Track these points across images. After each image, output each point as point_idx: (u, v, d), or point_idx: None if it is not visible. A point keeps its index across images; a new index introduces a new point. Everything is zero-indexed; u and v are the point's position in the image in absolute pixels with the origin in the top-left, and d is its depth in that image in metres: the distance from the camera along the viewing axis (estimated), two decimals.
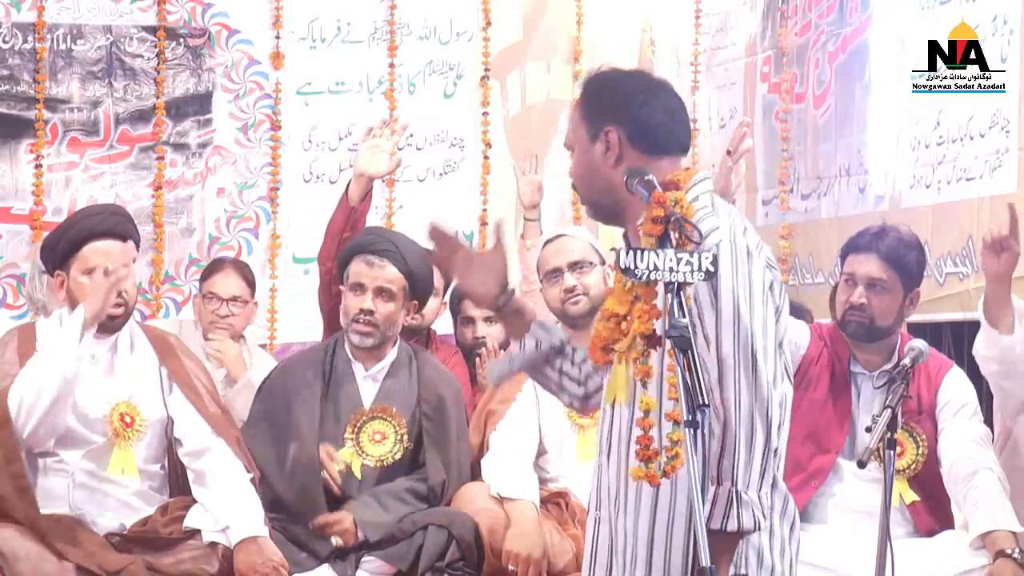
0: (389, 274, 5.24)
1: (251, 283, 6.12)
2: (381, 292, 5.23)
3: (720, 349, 3.29)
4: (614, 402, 3.45)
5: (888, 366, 4.77)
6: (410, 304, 5.33)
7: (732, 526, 3.24)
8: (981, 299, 4.83)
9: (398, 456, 5.26)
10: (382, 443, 5.26)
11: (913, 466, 4.84)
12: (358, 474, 5.24)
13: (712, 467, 3.26)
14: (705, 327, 3.30)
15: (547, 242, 5.60)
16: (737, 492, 3.26)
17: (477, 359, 6.07)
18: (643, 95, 3.48)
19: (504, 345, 6.21)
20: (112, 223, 4.85)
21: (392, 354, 5.35)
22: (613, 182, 3.44)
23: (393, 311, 5.25)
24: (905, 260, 4.83)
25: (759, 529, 3.26)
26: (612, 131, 3.44)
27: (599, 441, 3.46)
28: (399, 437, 5.26)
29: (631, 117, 3.45)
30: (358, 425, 5.26)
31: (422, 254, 5.29)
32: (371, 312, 5.21)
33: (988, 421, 4.99)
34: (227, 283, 5.97)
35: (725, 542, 3.27)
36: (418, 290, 5.33)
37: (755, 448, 3.27)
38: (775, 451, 3.31)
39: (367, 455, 5.25)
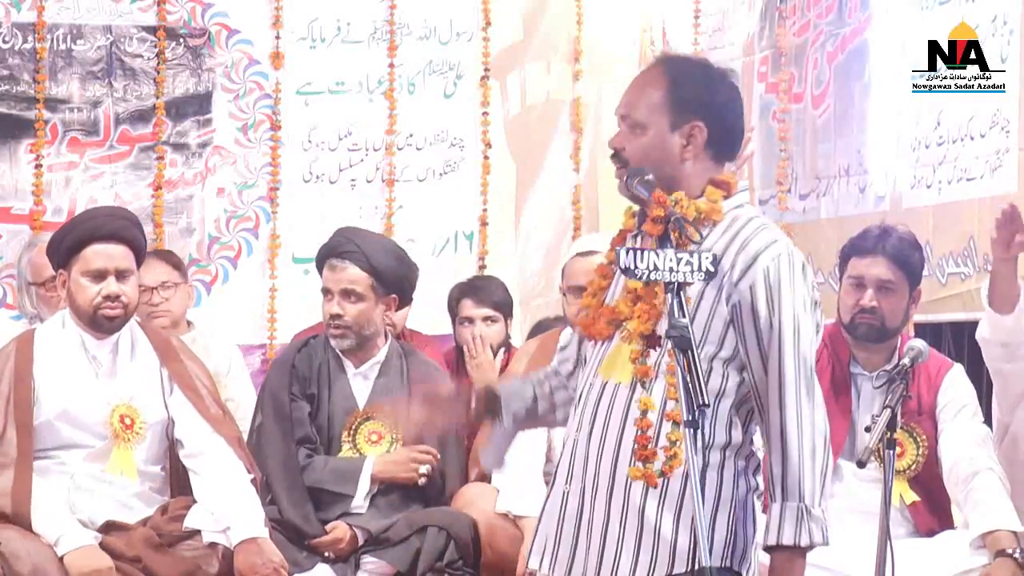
0: (352, 275, 5.23)
1: (178, 266, 6.12)
2: (347, 294, 5.23)
3: (782, 364, 3.30)
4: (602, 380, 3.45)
5: (888, 366, 4.76)
6: (388, 300, 5.30)
7: (804, 541, 3.29)
8: (986, 281, 4.81)
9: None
10: (379, 443, 5.27)
11: (913, 466, 4.84)
12: None
13: (774, 485, 3.30)
14: (761, 341, 3.30)
15: (579, 254, 5.48)
16: (807, 507, 3.29)
17: (465, 348, 6.06)
18: (728, 97, 3.43)
19: (501, 345, 6.21)
20: (116, 226, 4.85)
21: (383, 352, 5.35)
22: (679, 175, 3.39)
23: (364, 310, 5.25)
24: (910, 260, 4.85)
25: (827, 543, 3.32)
26: (699, 127, 3.38)
27: (577, 417, 3.43)
28: (395, 438, 5.26)
29: (717, 118, 3.38)
30: (354, 427, 5.26)
31: (390, 249, 5.36)
32: (339, 316, 5.24)
33: (989, 421, 4.99)
34: (153, 272, 5.91)
35: (793, 558, 3.32)
36: (391, 285, 5.30)
37: (819, 465, 3.30)
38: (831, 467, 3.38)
39: (365, 456, 5.26)
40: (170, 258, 6.16)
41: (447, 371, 5.87)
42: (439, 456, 5.30)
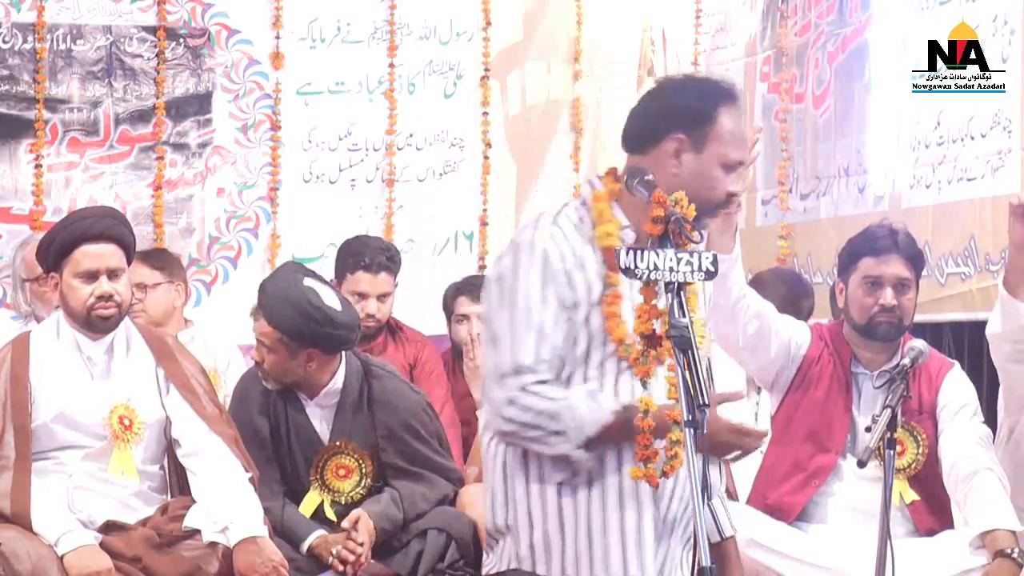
0: (261, 327, 5.04)
1: (160, 268, 6.02)
2: (261, 344, 5.05)
3: None
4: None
5: (889, 366, 4.76)
6: (305, 352, 4.99)
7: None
8: (988, 281, 4.82)
9: (365, 492, 5.11)
10: (347, 478, 5.09)
11: (913, 465, 4.83)
12: (331, 515, 5.09)
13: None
14: None
15: None
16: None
17: (464, 350, 6.04)
18: None
19: None
20: (104, 226, 4.83)
21: (339, 378, 5.11)
22: None
23: (277, 362, 5.01)
24: (920, 257, 4.90)
25: None
26: None
27: None
28: (364, 472, 5.11)
29: None
30: (321, 463, 5.10)
31: (297, 303, 4.97)
32: (258, 362, 5.08)
33: (989, 421, 4.99)
34: (131, 274, 5.81)
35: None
36: (301, 340, 4.97)
37: None
38: None
39: (335, 492, 5.11)
40: (151, 259, 6.05)
41: (436, 376, 5.83)
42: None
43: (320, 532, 5.04)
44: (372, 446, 5.11)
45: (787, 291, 5.84)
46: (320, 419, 5.13)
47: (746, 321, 4.70)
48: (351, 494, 5.10)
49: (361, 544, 4.97)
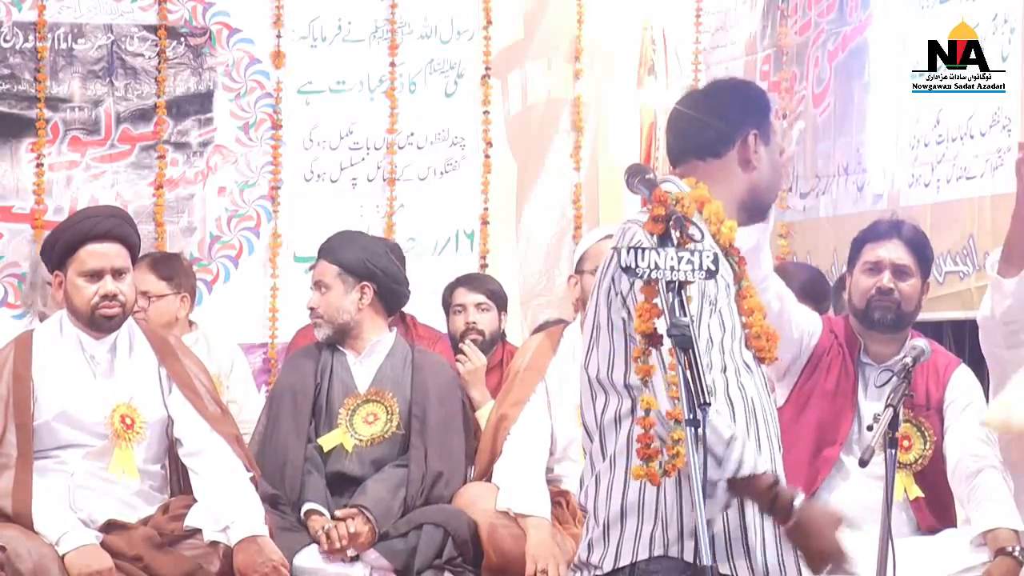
0: (321, 268, 5.48)
1: (168, 278, 6.03)
2: (319, 286, 5.48)
3: None
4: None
5: (891, 363, 4.76)
6: (359, 287, 5.42)
7: None
8: (997, 251, 4.74)
9: (388, 435, 5.34)
10: (374, 424, 5.36)
11: (920, 461, 4.83)
12: (348, 446, 5.34)
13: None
14: None
15: (606, 237, 5.49)
16: None
17: (461, 344, 6.05)
18: None
19: (495, 335, 6.21)
20: (109, 225, 4.84)
21: (385, 344, 5.48)
22: None
23: (331, 299, 5.43)
24: (925, 248, 4.87)
25: None
26: None
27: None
28: (389, 416, 5.34)
29: None
30: (352, 409, 5.37)
31: (356, 240, 5.57)
32: (313, 308, 5.49)
33: None
34: (138, 281, 5.83)
35: None
36: (356, 272, 5.43)
37: None
38: None
39: (358, 435, 5.35)
40: (159, 268, 6.04)
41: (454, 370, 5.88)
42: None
43: (321, 508, 5.20)
44: (405, 401, 5.40)
45: (810, 286, 5.77)
46: (361, 374, 5.46)
47: (769, 299, 4.68)
48: (374, 437, 5.37)
49: (350, 534, 5.14)
